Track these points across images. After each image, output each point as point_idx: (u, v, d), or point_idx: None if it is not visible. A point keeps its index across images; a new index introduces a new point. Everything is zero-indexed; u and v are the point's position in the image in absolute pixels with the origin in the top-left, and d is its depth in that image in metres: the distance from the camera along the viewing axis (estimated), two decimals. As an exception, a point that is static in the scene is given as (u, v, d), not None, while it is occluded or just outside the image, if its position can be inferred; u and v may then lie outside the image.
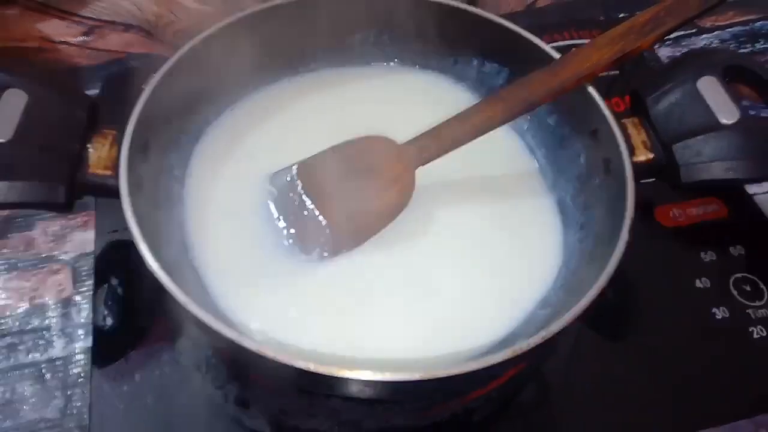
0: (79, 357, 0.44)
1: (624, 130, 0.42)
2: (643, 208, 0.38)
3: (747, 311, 0.47)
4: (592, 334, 0.46)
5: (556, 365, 0.44)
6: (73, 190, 0.38)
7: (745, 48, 0.67)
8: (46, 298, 0.47)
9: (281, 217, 0.43)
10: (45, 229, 0.50)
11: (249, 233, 0.43)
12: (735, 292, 0.48)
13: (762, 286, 0.49)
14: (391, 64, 0.54)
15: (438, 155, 0.41)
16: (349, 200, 0.42)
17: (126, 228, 0.35)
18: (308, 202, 0.42)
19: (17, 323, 0.46)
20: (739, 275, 0.49)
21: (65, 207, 0.38)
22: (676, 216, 0.52)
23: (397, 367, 0.32)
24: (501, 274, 0.42)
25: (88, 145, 0.39)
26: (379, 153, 0.42)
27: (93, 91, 0.58)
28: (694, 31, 0.67)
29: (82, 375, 0.43)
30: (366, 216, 0.42)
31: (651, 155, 0.42)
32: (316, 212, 0.42)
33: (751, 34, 0.68)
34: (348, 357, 0.38)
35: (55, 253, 0.49)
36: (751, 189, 0.54)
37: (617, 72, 0.59)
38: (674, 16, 0.42)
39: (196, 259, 0.41)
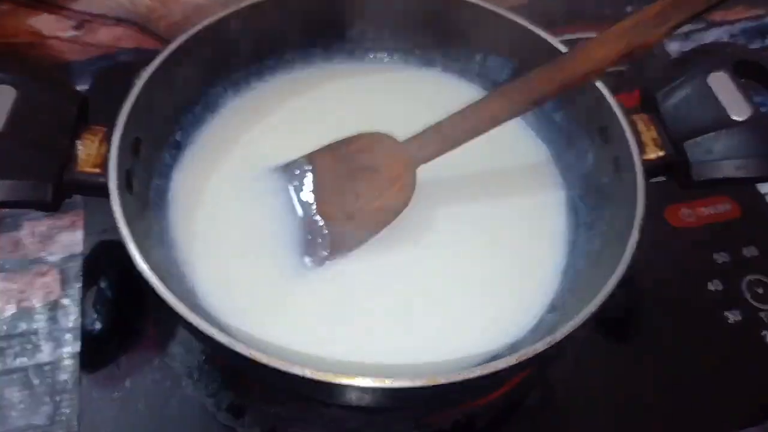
0: (67, 362, 0.43)
1: (634, 126, 0.41)
2: (653, 207, 0.37)
3: (760, 314, 0.46)
4: (600, 338, 0.45)
5: (563, 370, 0.43)
6: (61, 188, 0.37)
7: (756, 43, 0.66)
8: (34, 301, 0.46)
9: (276, 218, 0.42)
10: (32, 229, 0.49)
11: (241, 234, 0.42)
12: (748, 295, 0.47)
13: (776, 288, 0.48)
14: (392, 58, 0.53)
15: (440, 153, 0.40)
16: (348, 200, 0.41)
17: (116, 228, 0.34)
18: (305, 202, 0.42)
19: (4, 327, 0.45)
20: (752, 277, 0.48)
21: (53, 206, 0.37)
22: (687, 216, 0.51)
23: (398, 373, 0.31)
24: (506, 276, 0.42)
25: (77, 143, 0.38)
26: (378, 151, 0.42)
27: (83, 87, 0.57)
28: (703, 25, 0.67)
29: (70, 381, 0.43)
30: (365, 216, 0.41)
31: (662, 153, 0.41)
32: (314, 212, 0.41)
33: (761, 29, 0.68)
34: (347, 363, 0.37)
35: (43, 254, 0.48)
36: (764, 188, 0.54)
37: (625, 67, 0.58)
38: (683, 10, 0.41)
39: (187, 260, 0.40)
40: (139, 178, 0.39)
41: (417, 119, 0.42)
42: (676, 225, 0.51)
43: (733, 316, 0.46)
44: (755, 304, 0.47)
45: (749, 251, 0.49)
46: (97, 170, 0.37)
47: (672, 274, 0.48)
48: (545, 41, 0.44)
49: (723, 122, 0.40)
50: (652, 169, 0.40)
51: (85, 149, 0.38)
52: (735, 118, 0.40)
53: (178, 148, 0.45)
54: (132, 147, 0.39)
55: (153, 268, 0.33)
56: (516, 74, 0.48)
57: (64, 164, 0.37)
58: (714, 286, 0.47)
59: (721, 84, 0.41)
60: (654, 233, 0.37)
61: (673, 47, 0.65)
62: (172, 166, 0.44)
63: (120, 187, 0.35)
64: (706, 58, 0.44)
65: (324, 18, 0.49)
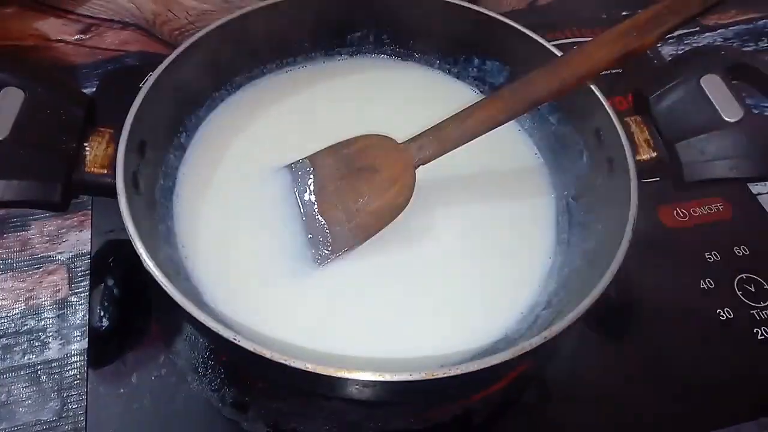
0: (75, 359, 0.44)
1: (627, 128, 0.41)
2: (646, 207, 0.38)
3: (752, 312, 0.47)
4: (594, 335, 0.46)
5: (558, 366, 0.44)
6: (70, 189, 0.38)
7: (748, 46, 0.67)
8: (42, 299, 0.46)
9: (279, 218, 0.42)
10: (41, 229, 0.50)
11: (245, 233, 0.42)
12: (739, 293, 0.48)
13: (767, 286, 0.48)
14: (392, 61, 0.53)
15: (438, 155, 0.41)
16: (349, 200, 0.42)
17: (123, 227, 0.34)
18: (307, 202, 0.42)
19: (13, 324, 0.45)
20: (743, 276, 0.49)
21: (61, 206, 0.38)
22: (679, 216, 0.52)
23: (398, 367, 0.31)
24: (502, 274, 0.42)
25: (85, 144, 0.39)
26: (378, 152, 0.42)
27: (90, 90, 0.58)
28: (696, 29, 0.67)
29: (78, 377, 0.43)
30: (366, 215, 0.41)
31: (654, 154, 0.42)
32: (316, 212, 0.42)
33: (754, 32, 0.68)
34: (347, 357, 0.37)
35: (51, 253, 0.49)
36: (755, 188, 0.54)
37: (620, 70, 0.58)
38: (676, 14, 0.41)
39: (191, 258, 0.41)
40: (145, 178, 0.40)
41: (415, 120, 0.42)
42: (669, 225, 0.51)
43: (725, 314, 0.47)
44: (747, 301, 0.47)
45: (740, 250, 0.50)
46: (105, 171, 0.38)
47: (665, 273, 0.48)
48: (541, 45, 0.45)
49: (715, 124, 0.41)
50: (645, 169, 0.41)
51: (93, 150, 0.39)
52: (727, 119, 0.41)
53: (183, 149, 0.46)
54: (138, 148, 0.40)
55: (159, 266, 0.33)
56: (512, 77, 0.49)
57: (72, 165, 0.38)
58: (706, 284, 0.48)
59: (714, 86, 0.42)
60: (647, 233, 0.38)
61: (667, 50, 0.65)
62: (177, 167, 0.45)
63: (127, 188, 0.36)
64: (699, 61, 0.44)
65: (325, 21, 0.50)
